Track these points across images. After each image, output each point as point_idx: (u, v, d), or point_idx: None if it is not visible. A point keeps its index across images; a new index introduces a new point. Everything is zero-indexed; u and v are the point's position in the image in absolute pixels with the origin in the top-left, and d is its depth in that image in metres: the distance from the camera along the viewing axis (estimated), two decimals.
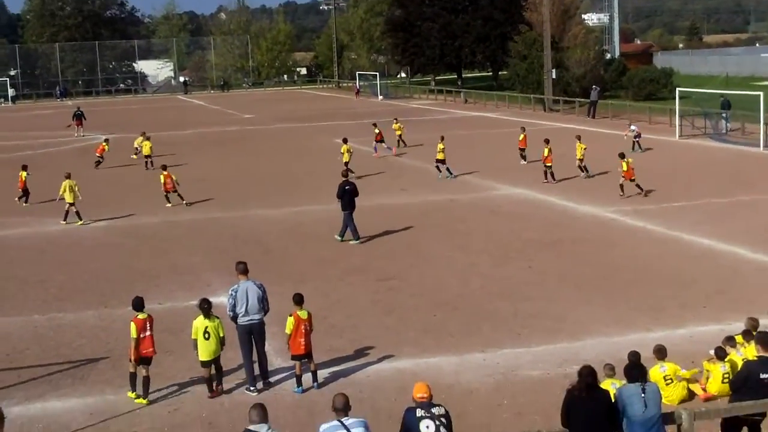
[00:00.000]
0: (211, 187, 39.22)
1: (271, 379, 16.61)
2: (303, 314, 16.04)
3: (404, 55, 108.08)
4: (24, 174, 36.72)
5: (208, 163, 47.56)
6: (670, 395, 15.12)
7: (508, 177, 38.92)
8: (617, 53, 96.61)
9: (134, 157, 49.27)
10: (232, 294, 16.39)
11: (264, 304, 16.47)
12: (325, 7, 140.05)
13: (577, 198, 33.67)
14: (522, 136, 43.09)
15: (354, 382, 16.52)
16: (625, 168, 33.68)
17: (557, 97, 73.27)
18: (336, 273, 24.30)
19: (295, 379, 16.26)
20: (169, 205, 34.77)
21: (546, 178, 37.44)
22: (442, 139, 39.83)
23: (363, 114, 76.44)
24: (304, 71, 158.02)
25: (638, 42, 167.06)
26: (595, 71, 77.68)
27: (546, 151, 37.30)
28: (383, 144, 48.03)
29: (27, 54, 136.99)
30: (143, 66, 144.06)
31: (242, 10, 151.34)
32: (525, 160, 42.43)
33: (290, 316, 16.04)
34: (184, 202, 34.86)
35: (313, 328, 16.30)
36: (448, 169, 39.01)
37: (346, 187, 27.85)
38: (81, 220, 32.39)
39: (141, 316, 15.93)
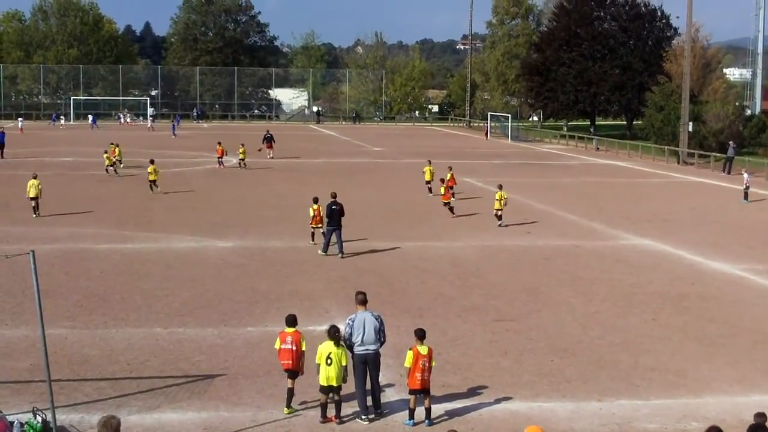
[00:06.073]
0: None
1: (383, 410, 16.57)
2: (423, 350, 15.99)
3: (538, 99, 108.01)
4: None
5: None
6: None
7: (635, 227, 38.27)
8: (758, 109, 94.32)
9: None
10: (349, 323, 16.49)
11: (380, 335, 16.49)
12: (462, 47, 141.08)
13: (707, 253, 32.85)
14: (449, 174, 43.42)
15: (466, 420, 16.35)
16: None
17: (692, 150, 71.92)
18: (454, 310, 24.16)
19: (407, 411, 16.19)
20: None
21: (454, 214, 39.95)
22: None
23: (491, 155, 76.35)
24: (435, 108, 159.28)
25: None
26: (733, 127, 76.05)
27: (442, 189, 40.39)
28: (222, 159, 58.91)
29: (168, 75, 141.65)
30: (279, 93, 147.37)
31: (379, 45, 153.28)
32: (431, 192, 46.27)
33: (410, 350, 16.04)
34: None
35: (434, 364, 16.24)
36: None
37: (333, 207, 31.07)
38: None
39: (287, 330, 16.58)
